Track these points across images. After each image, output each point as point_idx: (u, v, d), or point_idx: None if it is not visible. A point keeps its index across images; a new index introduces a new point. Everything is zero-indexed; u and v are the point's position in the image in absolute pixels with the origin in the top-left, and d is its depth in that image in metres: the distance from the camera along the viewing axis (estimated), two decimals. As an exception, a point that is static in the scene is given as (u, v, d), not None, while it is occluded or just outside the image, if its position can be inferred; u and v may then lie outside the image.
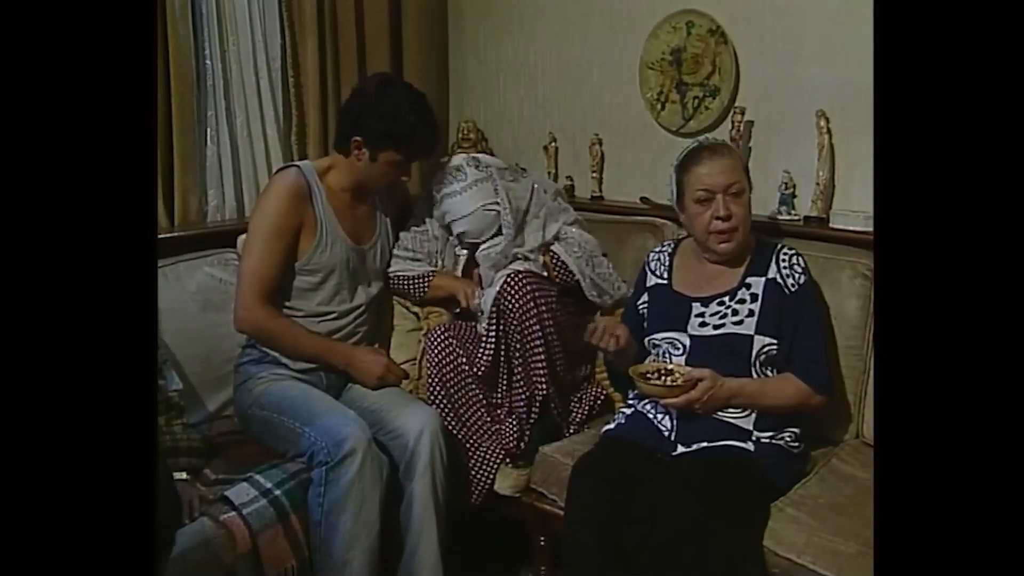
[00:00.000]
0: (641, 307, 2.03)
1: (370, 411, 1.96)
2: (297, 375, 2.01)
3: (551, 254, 2.19)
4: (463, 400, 2.12)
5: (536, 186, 2.29)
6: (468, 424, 2.12)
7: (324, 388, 2.03)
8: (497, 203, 2.17)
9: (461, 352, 2.12)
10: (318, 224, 2.00)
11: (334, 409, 1.89)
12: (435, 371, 2.10)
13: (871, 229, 2.03)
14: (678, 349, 1.88)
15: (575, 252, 2.20)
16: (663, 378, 1.78)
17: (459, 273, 2.30)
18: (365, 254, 2.10)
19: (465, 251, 2.27)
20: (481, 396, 2.13)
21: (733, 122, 2.30)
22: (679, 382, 1.75)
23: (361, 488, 1.77)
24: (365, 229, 2.13)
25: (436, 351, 2.11)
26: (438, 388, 2.08)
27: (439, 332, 2.14)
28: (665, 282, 1.99)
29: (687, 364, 1.82)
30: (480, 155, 2.27)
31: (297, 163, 2.09)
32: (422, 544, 1.89)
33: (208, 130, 2.41)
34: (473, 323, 2.18)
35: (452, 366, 2.11)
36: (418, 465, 1.89)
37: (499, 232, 2.19)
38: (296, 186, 1.98)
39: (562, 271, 2.19)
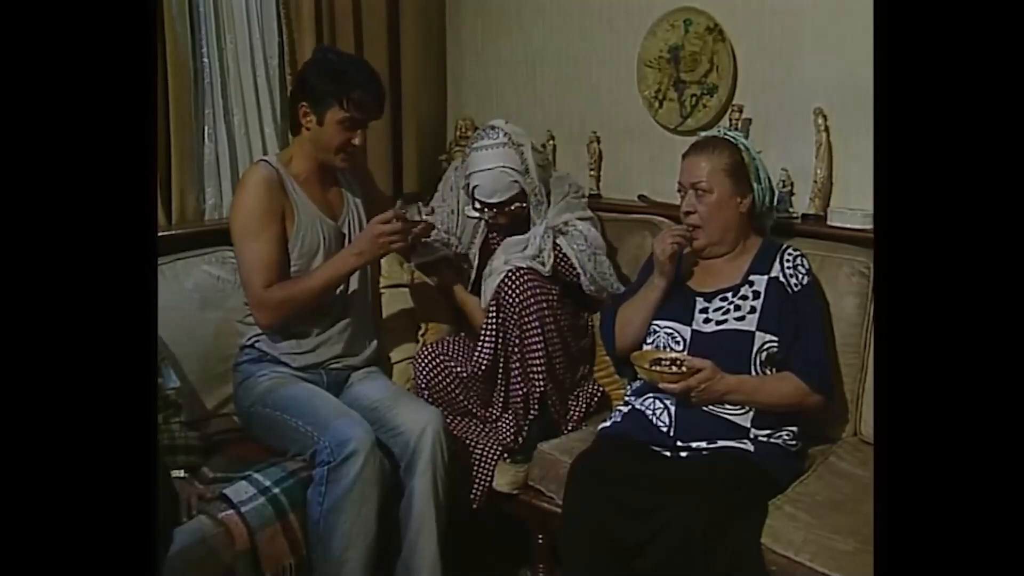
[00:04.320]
0: None
1: (372, 409, 1.96)
2: (298, 373, 2.01)
3: (556, 246, 2.18)
4: (456, 411, 2.16)
5: (557, 174, 2.36)
6: (463, 431, 2.15)
7: (325, 386, 2.02)
8: (516, 169, 2.16)
9: (453, 364, 2.15)
10: (295, 209, 1.98)
11: (339, 410, 1.89)
12: (425, 392, 2.16)
13: (869, 227, 2.04)
14: (679, 343, 1.88)
15: (579, 245, 2.19)
16: (663, 364, 1.79)
17: (477, 249, 2.32)
18: (341, 230, 2.09)
19: (476, 214, 2.26)
20: (477, 400, 2.15)
21: (731, 120, 2.31)
22: (682, 369, 1.76)
23: (362, 488, 1.77)
24: (337, 207, 2.11)
25: (425, 373, 2.16)
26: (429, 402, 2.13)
27: (427, 352, 2.18)
28: None
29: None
30: (516, 128, 2.26)
31: (262, 159, 2.06)
32: (421, 542, 1.89)
33: (205, 128, 2.41)
34: (465, 336, 2.19)
35: (442, 386, 2.15)
36: (419, 463, 1.89)
37: (519, 199, 2.21)
38: (267, 176, 1.96)
39: (563, 263, 2.19)
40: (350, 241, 2.09)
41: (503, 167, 2.16)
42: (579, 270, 2.18)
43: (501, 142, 2.17)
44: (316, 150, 2.01)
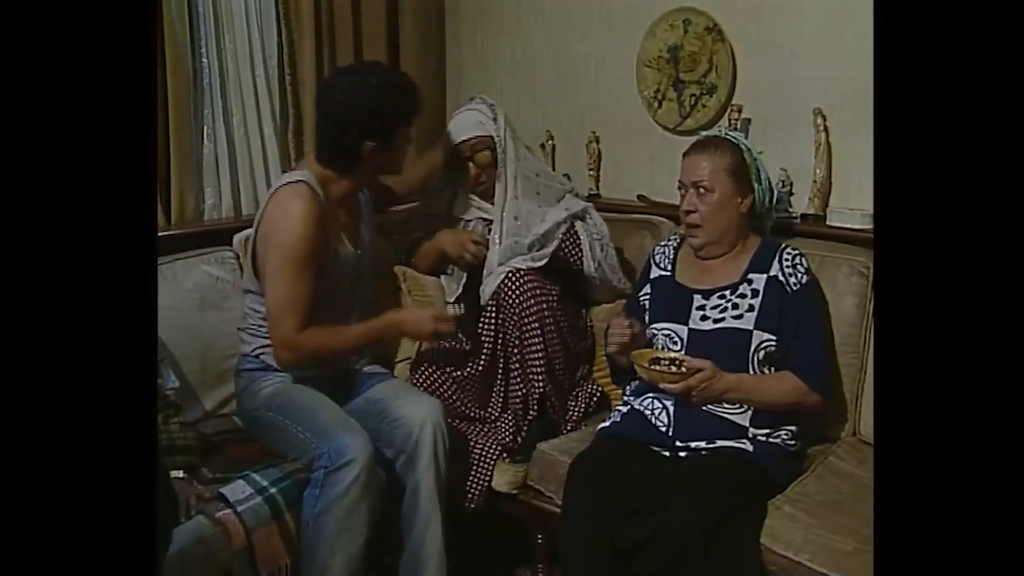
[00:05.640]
0: (643, 299, 2.03)
1: (375, 400, 1.97)
2: (301, 380, 2.01)
3: (571, 227, 2.24)
4: (454, 414, 2.15)
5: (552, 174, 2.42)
6: (463, 431, 2.14)
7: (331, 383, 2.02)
8: (484, 114, 2.24)
9: (451, 366, 2.15)
10: (332, 245, 1.95)
11: (340, 419, 1.89)
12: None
13: (868, 227, 2.04)
14: (676, 344, 1.88)
15: (594, 232, 2.26)
16: (663, 364, 1.79)
17: None
18: (358, 256, 2.08)
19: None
20: (474, 401, 2.15)
21: (730, 120, 2.31)
22: (682, 369, 1.76)
23: (355, 496, 1.77)
24: (355, 233, 2.07)
25: (423, 375, 2.16)
26: None
27: (426, 354, 2.19)
28: (668, 274, 2.00)
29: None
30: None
31: (302, 179, 1.92)
32: (429, 534, 1.89)
33: (204, 128, 2.41)
34: (463, 339, 2.20)
35: (440, 389, 2.15)
36: (422, 455, 1.89)
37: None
38: (316, 209, 1.88)
39: (571, 244, 2.22)
40: (367, 259, 2.09)
41: (472, 110, 2.27)
42: (586, 254, 2.22)
43: (477, 102, 2.31)
44: (380, 172, 2.06)
